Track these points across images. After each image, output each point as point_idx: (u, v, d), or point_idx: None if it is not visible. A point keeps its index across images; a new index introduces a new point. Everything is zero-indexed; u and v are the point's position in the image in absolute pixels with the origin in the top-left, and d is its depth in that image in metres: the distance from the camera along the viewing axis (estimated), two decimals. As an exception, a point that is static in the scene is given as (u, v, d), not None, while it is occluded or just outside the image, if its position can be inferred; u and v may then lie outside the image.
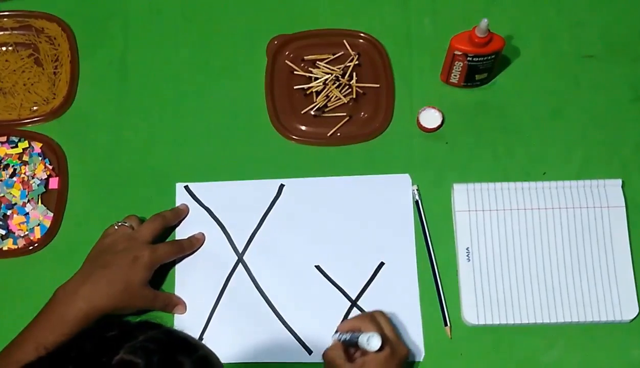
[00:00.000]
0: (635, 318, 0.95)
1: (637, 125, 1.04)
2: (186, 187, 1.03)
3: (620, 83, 1.06)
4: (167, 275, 0.99)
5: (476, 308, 0.95)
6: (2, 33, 1.11)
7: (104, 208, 1.02)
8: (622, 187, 0.99)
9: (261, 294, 0.98)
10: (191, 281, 0.99)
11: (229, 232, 1.01)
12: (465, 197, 0.99)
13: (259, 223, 1.01)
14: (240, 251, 1.00)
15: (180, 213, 1.01)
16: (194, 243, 1.00)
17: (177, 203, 1.02)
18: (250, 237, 1.00)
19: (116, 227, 0.96)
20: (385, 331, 0.89)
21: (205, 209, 1.02)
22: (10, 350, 0.87)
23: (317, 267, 0.99)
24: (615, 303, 0.95)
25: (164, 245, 0.96)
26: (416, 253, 0.99)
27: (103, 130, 1.06)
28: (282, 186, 1.02)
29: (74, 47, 1.10)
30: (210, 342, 0.93)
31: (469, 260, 0.97)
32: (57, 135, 1.06)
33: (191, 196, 1.02)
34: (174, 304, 0.97)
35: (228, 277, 0.99)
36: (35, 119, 1.06)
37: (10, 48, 1.11)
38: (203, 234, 1.00)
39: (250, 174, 1.03)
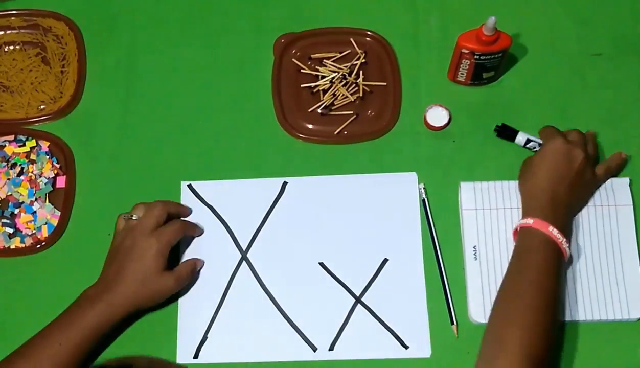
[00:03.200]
0: (642, 317, 0.95)
1: (645, 123, 1.05)
2: (189, 186, 1.03)
3: (628, 81, 1.06)
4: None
5: (483, 306, 0.95)
6: (9, 32, 1.12)
7: (111, 206, 1.02)
8: (629, 185, 0.99)
9: (265, 292, 0.99)
10: (195, 279, 0.99)
11: (232, 230, 1.01)
12: (473, 196, 0.99)
13: (262, 221, 1.02)
14: (244, 249, 1.00)
15: (185, 210, 1.01)
16: (197, 227, 1.00)
17: (182, 202, 1.02)
18: (254, 235, 1.01)
19: (122, 221, 0.96)
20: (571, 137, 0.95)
21: (209, 207, 1.02)
22: (34, 345, 0.88)
23: (321, 264, 0.99)
24: (623, 301, 0.95)
25: (168, 228, 0.95)
26: (423, 251, 0.99)
27: (110, 129, 1.07)
28: (285, 184, 1.02)
29: (82, 46, 1.11)
30: (215, 340, 0.97)
31: (475, 258, 0.97)
32: (64, 134, 1.06)
33: (194, 194, 1.03)
34: (196, 267, 0.98)
35: (232, 275, 0.99)
36: (43, 117, 1.07)
37: (17, 47, 1.11)
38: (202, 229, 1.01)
39: (257, 173, 1.04)
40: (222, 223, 1.02)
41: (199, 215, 1.02)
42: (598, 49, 1.07)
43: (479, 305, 0.95)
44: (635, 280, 0.96)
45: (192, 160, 1.05)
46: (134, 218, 0.95)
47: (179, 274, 0.95)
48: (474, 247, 0.97)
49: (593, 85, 1.06)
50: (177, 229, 0.96)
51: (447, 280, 0.97)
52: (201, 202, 1.03)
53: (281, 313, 0.98)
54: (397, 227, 1.00)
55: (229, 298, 0.98)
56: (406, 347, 0.95)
